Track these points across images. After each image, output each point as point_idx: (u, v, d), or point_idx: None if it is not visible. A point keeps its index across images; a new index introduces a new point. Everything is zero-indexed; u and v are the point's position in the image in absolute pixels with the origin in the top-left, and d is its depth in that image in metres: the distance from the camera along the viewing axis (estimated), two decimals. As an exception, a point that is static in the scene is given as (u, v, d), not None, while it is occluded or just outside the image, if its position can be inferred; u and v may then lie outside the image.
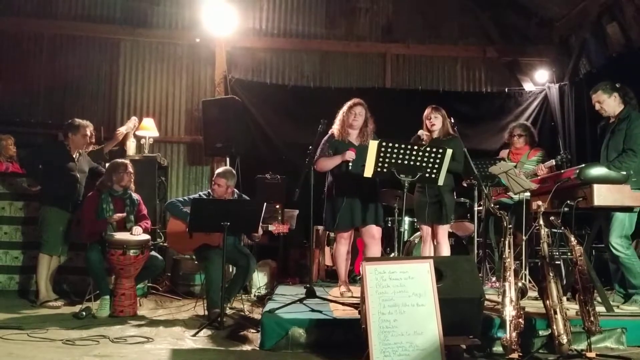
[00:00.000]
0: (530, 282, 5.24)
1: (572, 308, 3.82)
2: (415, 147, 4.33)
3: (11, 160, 6.37)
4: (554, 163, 5.43)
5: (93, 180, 5.58)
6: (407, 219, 6.43)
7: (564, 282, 4.57)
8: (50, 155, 5.53)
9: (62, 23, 7.99)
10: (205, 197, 5.18)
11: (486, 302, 3.95)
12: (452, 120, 4.97)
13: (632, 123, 4.40)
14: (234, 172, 5.30)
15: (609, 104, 4.57)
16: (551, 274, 3.58)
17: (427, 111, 5.02)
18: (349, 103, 5.04)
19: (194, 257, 5.59)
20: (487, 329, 3.74)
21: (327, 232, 6.60)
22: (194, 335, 4.11)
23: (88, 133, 5.55)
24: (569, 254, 4.41)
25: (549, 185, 4.74)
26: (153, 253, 5.25)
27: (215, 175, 5.21)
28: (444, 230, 5.01)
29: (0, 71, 7.83)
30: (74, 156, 5.53)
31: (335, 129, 5.01)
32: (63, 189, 5.42)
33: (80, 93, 7.96)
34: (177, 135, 8.15)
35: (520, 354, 3.35)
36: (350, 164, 4.78)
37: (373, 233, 5.00)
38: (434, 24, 8.54)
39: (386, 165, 4.35)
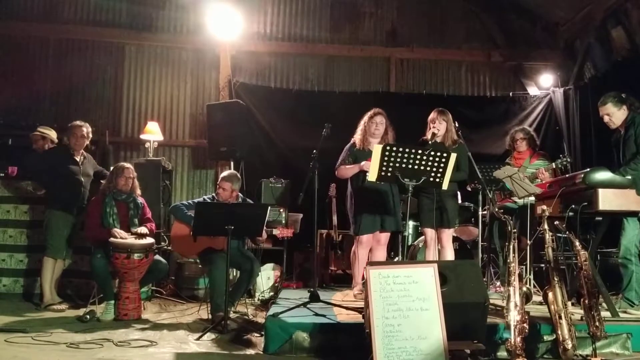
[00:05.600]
0: (534, 286, 5.23)
1: (577, 313, 3.80)
2: (420, 151, 4.32)
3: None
4: (554, 167, 5.43)
5: (98, 183, 5.60)
6: (411, 223, 6.42)
7: (569, 287, 4.55)
8: (54, 159, 5.55)
9: (67, 27, 8.04)
10: (209, 200, 5.19)
11: (490, 307, 3.93)
12: (457, 125, 4.99)
13: (638, 127, 4.43)
14: (239, 176, 5.31)
15: (618, 116, 4.59)
16: (556, 279, 3.57)
17: (432, 114, 5.04)
18: (369, 113, 5.18)
19: (198, 260, 5.60)
20: (492, 334, 3.73)
21: (332, 236, 6.61)
22: (198, 339, 4.11)
23: (79, 133, 5.52)
24: (573, 258, 4.39)
25: (554, 190, 4.73)
26: (157, 257, 5.25)
27: (220, 179, 5.22)
28: (448, 234, 5.02)
29: (6, 75, 7.86)
30: (77, 159, 5.55)
31: (357, 138, 5.18)
32: (67, 193, 5.45)
33: (85, 97, 7.99)
34: (181, 139, 8.17)
35: (525, 359, 3.34)
36: (368, 174, 4.84)
37: (379, 238, 5.10)
38: (438, 28, 8.54)
39: (390, 169, 4.35)
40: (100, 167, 5.97)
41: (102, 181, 5.57)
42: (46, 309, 5.25)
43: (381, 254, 5.18)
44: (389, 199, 5.09)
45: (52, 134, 6.28)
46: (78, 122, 5.60)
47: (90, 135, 5.67)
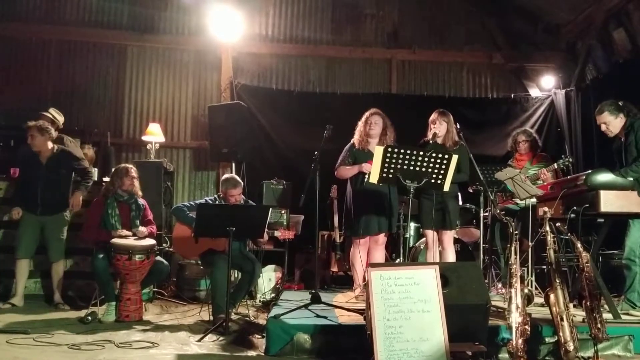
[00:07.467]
0: (536, 288, 5.22)
1: (579, 315, 3.80)
2: (421, 153, 4.33)
3: None
4: (556, 167, 5.42)
5: (99, 184, 5.59)
6: (412, 225, 6.43)
7: (571, 288, 4.55)
8: (21, 163, 5.57)
9: (69, 29, 8.05)
10: (211, 202, 5.19)
11: (492, 309, 3.94)
12: (458, 126, 4.99)
13: (637, 132, 4.46)
14: (239, 178, 5.29)
15: (615, 125, 4.60)
16: (557, 281, 3.56)
17: (433, 115, 5.05)
18: (366, 113, 5.19)
19: (199, 262, 5.60)
20: (493, 336, 3.72)
21: (333, 238, 6.61)
22: (199, 340, 4.11)
23: (28, 133, 5.44)
24: (575, 260, 4.38)
25: (556, 191, 4.73)
26: (158, 258, 5.25)
27: (225, 188, 5.10)
28: (449, 236, 5.03)
29: (9, 76, 7.89)
30: (41, 159, 5.48)
31: (355, 138, 5.18)
32: (25, 193, 5.45)
33: (87, 98, 8.01)
34: (183, 141, 8.18)
35: (527, 361, 3.33)
36: (367, 176, 4.84)
37: (377, 239, 5.12)
38: (439, 30, 8.55)
39: (392, 170, 4.35)
40: (82, 164, 5.73)
41: (80, 179, 5.59)
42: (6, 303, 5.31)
43: (380, 255, 5.20)
44: (387, 200, 5.08)
45: (61, 120, 6.32)
46: (29, 122, 5.52)
47: (49, 130, 5.50)
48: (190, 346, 3.99)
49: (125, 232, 5.08)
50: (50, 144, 5.54)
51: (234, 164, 7.31)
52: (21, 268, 5.45)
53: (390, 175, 4.38)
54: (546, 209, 3.81)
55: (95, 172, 6.32)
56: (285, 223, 6.39)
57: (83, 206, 5.69)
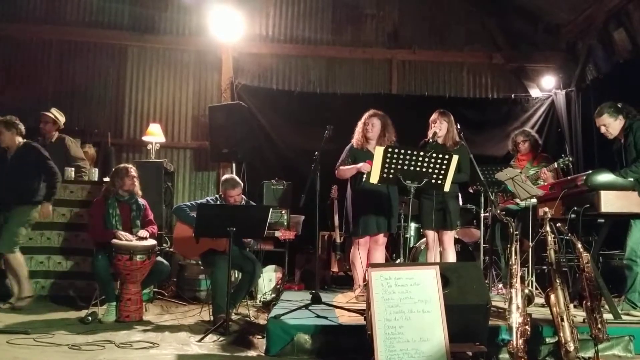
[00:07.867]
0: (537, 288, 5.22)
1: (579, 315, 3.79)
2: (422, 153, 4.33)
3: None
4: (556, 166, 5.42)
5: (99, 185, 5.56)
6: (413, 225, 6.43)
7: (571, 289, 4.55)
8: None
9: (70, 29, 8.06)
10: (212, 202, 5.19)
11: (492, 309, 3.93)
12: (458, 126, 4.99)
13: (636, 132, 4.46)
14: (238, 179, 5.28)
15: (615, 127, 4.61)
16: (558, 281, 3.56)
17: (434, 115, 5.06)
18: (365, 115, 5.20)
19: (199, 262, 5.60)
20: (494, 336, 3.72)
21: (333, 238, 6.61)
22: (200, 340, 4.11)
23: None
24: (575, 260, 4.38)
25: (556, 192, 4.73)
26: (159, 258, 5.25)
27: (225, 189, 5.11)
28: (449, 236, 5.03)
29: (9, 77, 7.90)
30: (8, 154, 5.38)
31: (354, 138, 5.20)
32: None
33: (87, 99, 8.01)
34: (183, 141, 8.18)
35: (527, 362, 3.33)
36: (365, 176, 4.83)
37: (377, 239, 5.13)
38: (440, 30, 8.55)
39: (392, 171, 4.35)
40: (48, 164, 5.42)
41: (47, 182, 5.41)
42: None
43: (380, 255, 5.20)
44: (387, 201, 5.08)
45: (62, 120, 6.32)
46: None
47: (16, 125, 5.39)
48: (191, 346, 3.99)
49: (126, 235, 5.01)
50: (18, 139, 5.42)
51: (234, 164, 7.32)
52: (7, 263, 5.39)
53: (391, 176, 4.38)
54: (547, 209, 3.81)
55: (95, 172, 6.32)
56: (285, 223, 6.39)
57: (83, 207, 5.67)
